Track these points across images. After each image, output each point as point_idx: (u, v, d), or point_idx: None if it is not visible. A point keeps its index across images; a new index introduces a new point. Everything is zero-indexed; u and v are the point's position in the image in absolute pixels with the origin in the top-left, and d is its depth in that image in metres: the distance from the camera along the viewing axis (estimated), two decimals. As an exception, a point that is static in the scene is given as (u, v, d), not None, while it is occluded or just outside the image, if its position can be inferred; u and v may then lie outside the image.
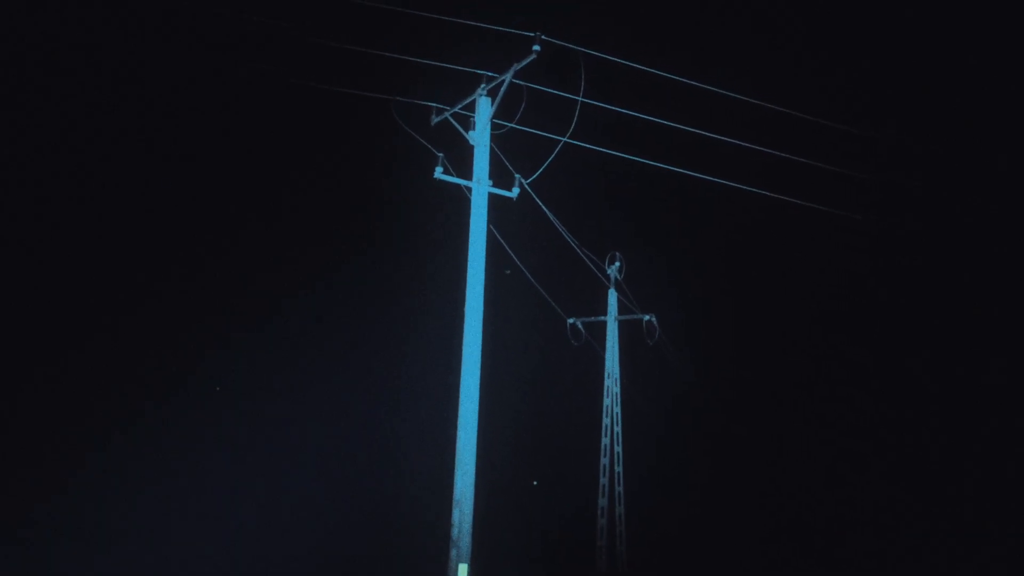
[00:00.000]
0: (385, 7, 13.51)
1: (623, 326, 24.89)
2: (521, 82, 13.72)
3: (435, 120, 14.25)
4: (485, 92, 13.84)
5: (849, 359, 40.12)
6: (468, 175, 13.65)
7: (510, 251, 16.20)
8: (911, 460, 37.13)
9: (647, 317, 24.58)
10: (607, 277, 24.78)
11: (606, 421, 24.52)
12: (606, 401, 24.59)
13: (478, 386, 12.86)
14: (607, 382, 24.66)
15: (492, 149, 13.85)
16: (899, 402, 38.29)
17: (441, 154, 13.80)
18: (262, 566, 28.28)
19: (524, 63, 13.02)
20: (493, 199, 13.74)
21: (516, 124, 14.09)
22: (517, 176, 14.23)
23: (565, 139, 14.10)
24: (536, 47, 12.73)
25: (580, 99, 13.72)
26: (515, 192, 14.16)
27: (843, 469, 38.00)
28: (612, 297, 24.85)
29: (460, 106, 14.11)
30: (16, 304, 28.32)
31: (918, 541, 34.87)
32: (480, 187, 13.52)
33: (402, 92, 13.99)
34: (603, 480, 24.26)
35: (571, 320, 25.26)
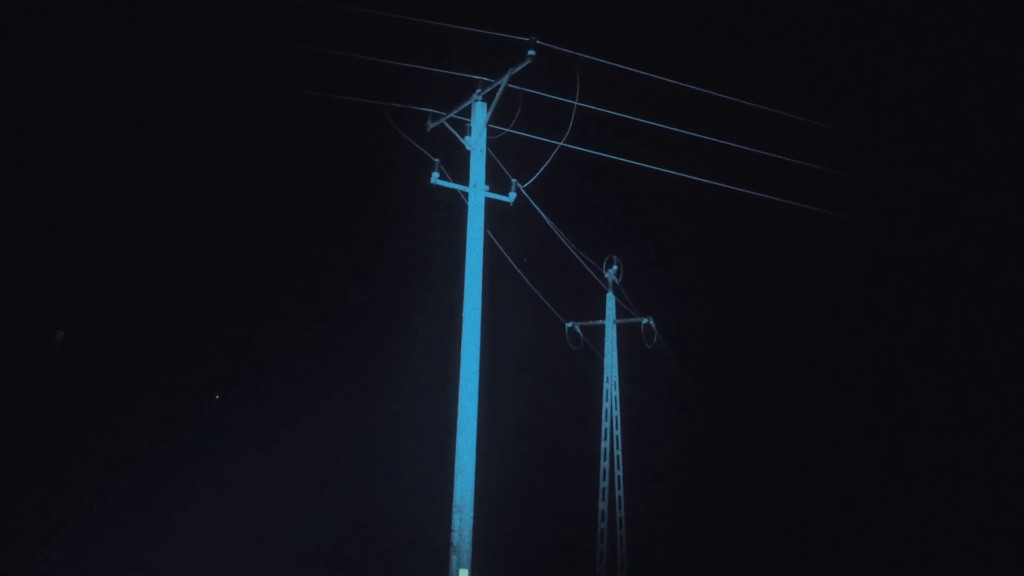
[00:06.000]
0: (380, 13, 13.53)
1: (621, 329, 24.89)
2: (517, 87, 13.74)
3: (431, 126, 14.25)
4: (481, 97, 13.85)
5: (850, 361, 40.12)
6: (464, 180, 13.66)
7: (507, 256, 16.21)
8: (913, 461, 37.12)
9: (645, 320, 24.57)
10: (605, 281, 24.77)
11: (605, 425, 24.51)
12: (605, 405, 24.57)
13: (477, 391, 12.87)
14: (606, 386, 24.65)
15: (488, 154, 13.87)
16: (901, 404, 38.28)
17: (437, 160, 13.82)
18: (261, 571, 28.26)
19: (519, 68, 13.03)
20: (490, 204, 13.75)
21: (512, 129, 14.11)
22: (514, 181, 14.25)
23: (561, 143, 14.12)
24: (531, 52, 12.72)
25: (576, 103, 13.74)
26: (512, 197, 14.18)
27: (847, 471, 37.97)
28: (610, 301, 24.84)
29: (456, 111, 14.11)
30: (22, 309, 28.38)
31: (919, 543, 34.87)
32: (477, 192, 13.53)
33: (397, 98, 14.02)
34: (603, 484, 24.24)
35: (569, 324, 25.26)
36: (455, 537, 12.54)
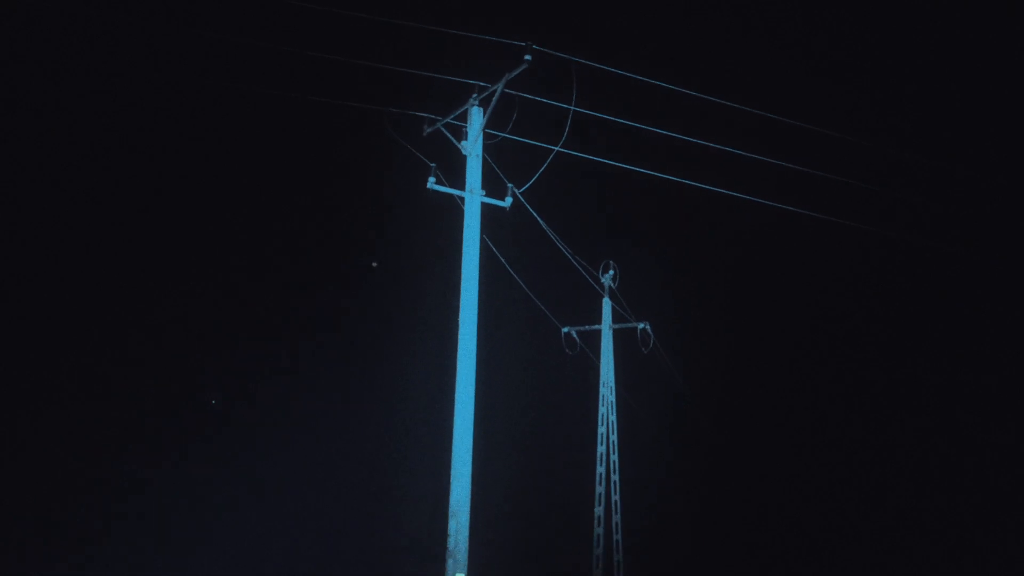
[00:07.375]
0: (377, 18, 13.52)
1: (618, 334, 24.87)
2: (513, 92, 13.73)
3: (427, 131, 14.24)
4: (477, 102, 13.84)
5: (845, 364, 40.14)
6: (461, 185, 13.65)
7: (503, 260, 16.20)
8: (909, 465, 37.13)
9: (641, 325, 24.55)
10: (601, 286, 24.76)
11: (602, 430, 24.48)
12: (601, 410, 24.55)
13: (473, 396, 12.84)
14: (602, 391, 24.62)
15: (485, 159, 13.85)
16: (897, 408, 38.29)
17: (434, 164, 13.80)
18: (258, 576, 28.25)
19: (516, 73, 13.02)
20: (486, 209, 13.73)
21: (508, 134, 14.10)
22: (510, 185, 14.23)
23: (558, 148, 14.11)
24: (528, 56, 12.72)
25: (572, 108, 13.73)
26: (508, 201, 14.16)
27: (842, 475, 37.97)
28: (606, 306, 24.82)
29: (452, 116, 14.10)
30: (21, 314, 28.32)
31: (915, 547, 34.87)
32: (473, 197, 13.52)
33: (394, 103, 14.00)
34: (599, 489, 24.21)
35: (565, 329, 25.23)
36: (451, 542, 12.50)
